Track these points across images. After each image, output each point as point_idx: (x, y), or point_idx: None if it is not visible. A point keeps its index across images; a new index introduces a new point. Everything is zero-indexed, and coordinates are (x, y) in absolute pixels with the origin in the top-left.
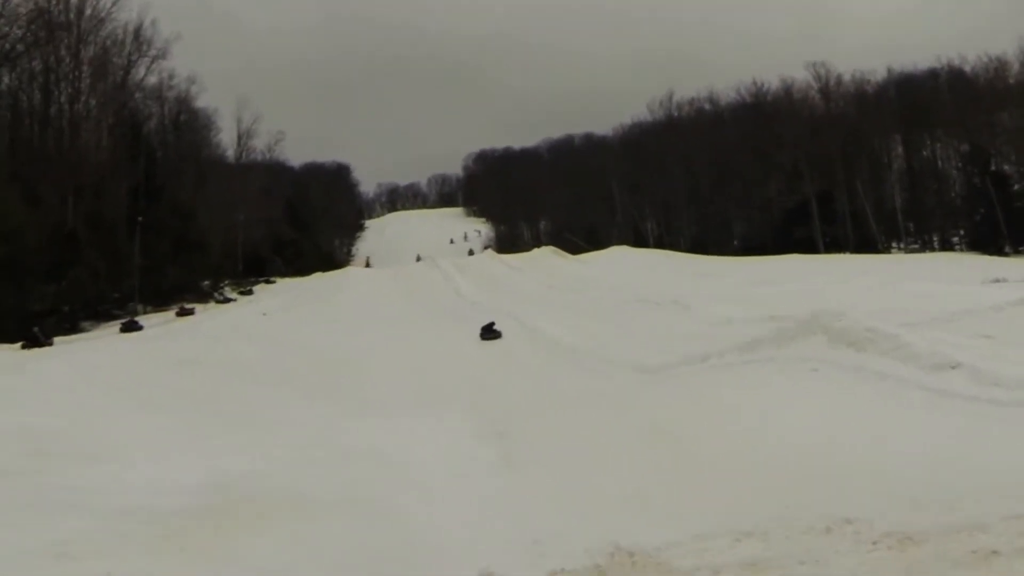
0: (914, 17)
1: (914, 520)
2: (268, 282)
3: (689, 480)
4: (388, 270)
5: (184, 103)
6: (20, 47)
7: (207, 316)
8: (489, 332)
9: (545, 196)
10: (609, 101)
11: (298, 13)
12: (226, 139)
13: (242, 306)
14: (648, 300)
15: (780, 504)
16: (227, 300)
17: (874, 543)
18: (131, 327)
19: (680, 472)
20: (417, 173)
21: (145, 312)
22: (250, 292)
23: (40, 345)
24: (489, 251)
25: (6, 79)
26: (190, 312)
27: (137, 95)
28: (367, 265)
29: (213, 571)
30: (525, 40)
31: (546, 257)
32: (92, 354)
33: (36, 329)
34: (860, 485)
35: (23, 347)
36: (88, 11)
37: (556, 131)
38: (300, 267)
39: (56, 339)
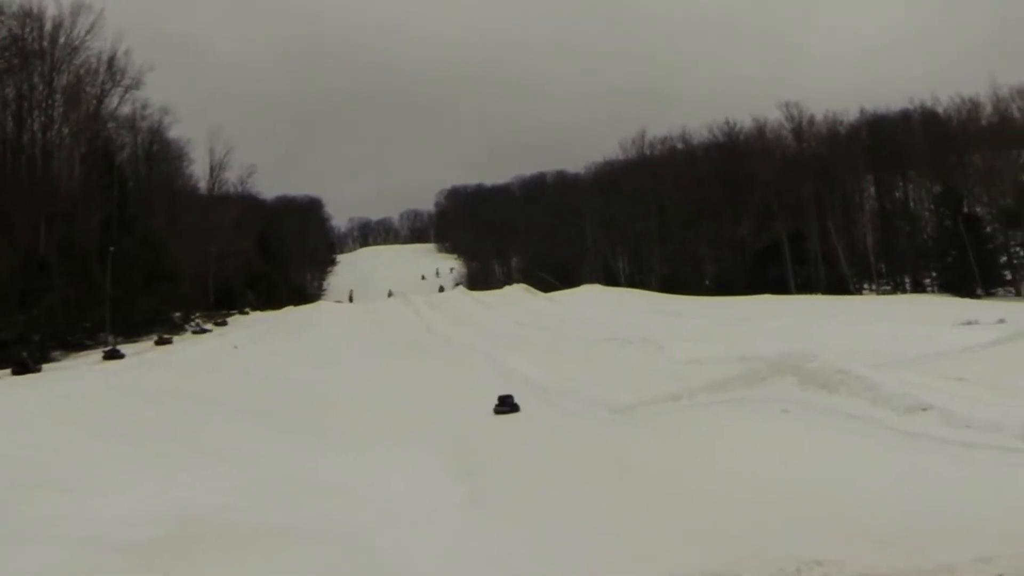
0: (885, 57)
1: (883, 562)
2: (243, 313)
3: (660, 520)
4: (360, 305)
5: (157, 133)
6: None
7: (183, 346)
8: (505, 406)
9: (517, 233)
10: (581, 139)
11: (270, 46)
12: (198, 170)
13: (216, 337)
14: (619, 339)
15: (750, 544)
16: (203, 331)
17: None
18: (113, 355)
19: (651, 511)
20: (389, 208)
21: (116, 343)
22: (224, 323)
23: (29, 371)
24: (460, 288)
25: None
26: (168, 341)
27: (110, 124)
28: (350, 299)
29: None
30: (497, 76)
31: (518, 294)
32: (68, 383)
33: (25, 355)
34: (830, 526)
35: (13, 373)
36: (62, 39)
37: (528, 168)
38: (272, 300)
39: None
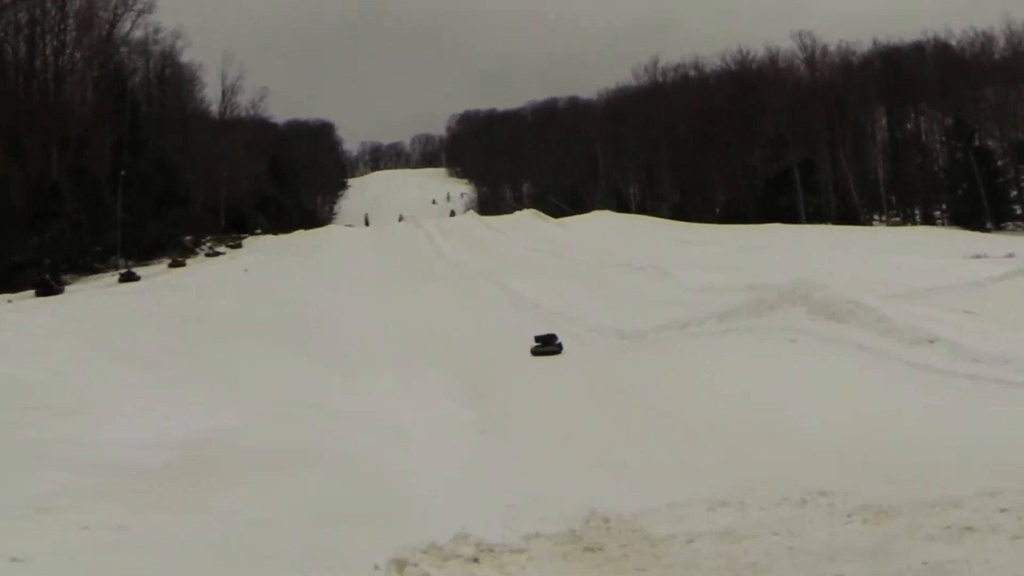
0: None
1: (889, 494)
2: (254, 235)
3: (666, 447)
4: (371, 229)
5: (169, 58)
6: None
7: (196, 269)
8: (547, 346)
9: (529, 159)
10: (594, 66)
11: None
12: (210, 94)
13: (229, 260)
14: (629, 266)
15: (756, 474)
16: (216, 254)
17: (848, 516)
18: (129, 277)
19: (657, 438)
20: (401, 133)
21: (127, 266)
22: (239, 246)
23: (53, 292)
24: (471, 213)
25: None
26: (182, 264)
27: (122, 49)
28: (367, 223)
29: (191, 523)
30: (511, 1)
31: (528, 220)
32: (80, 306)
33: (47, 276)
34: (836, 457)
35: (36, 295)
36: None
37: (541, 94)
38: (282, 224)
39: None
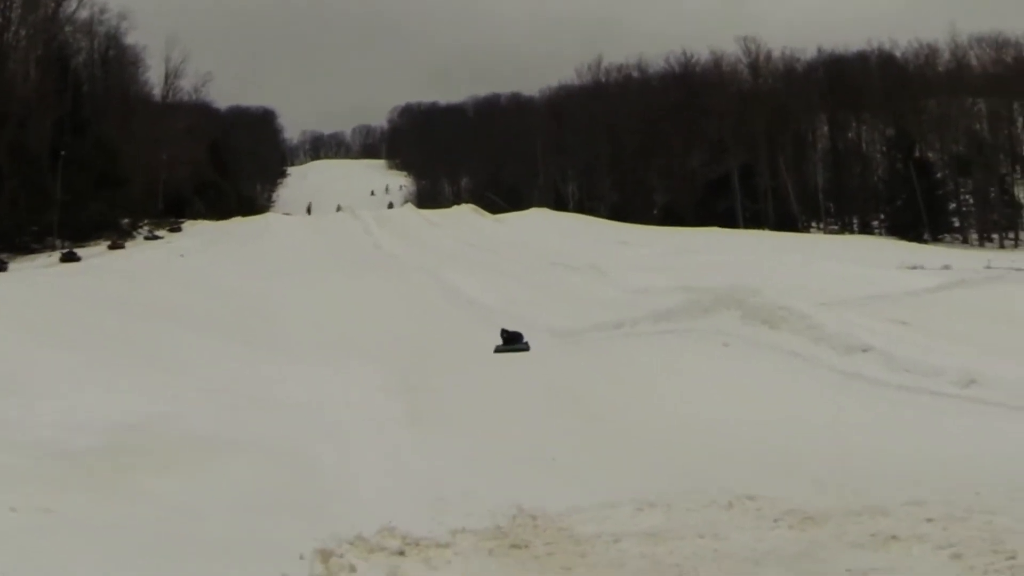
0: None
1: (817, 501)
2: (194, 220)
3: (597, 447)
4: (308, 218)
5: (114, 39)
6: None
7: (134, 251)
8: (511, 343)
9: (469, 153)
10: (538, 62)
11: None
12: (153, 77)
13: (167, 244)
14: (566, 264)
15: (685, 476)
16: (155, 237)
17: (775, 521)
18: (70, 257)
19: (589, 438)
20: (342, 123)
21: (65, 247)
22: (179, 229)
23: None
24: (409, 205)
25: None
26: (121, 246)
27: (67, 28)
28: (308, 212)
29: (120, 508)
30: None
31: (466, 215)
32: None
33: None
34: (765, 463)
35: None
36: None
37: (483, 89)
38: (221, 210)
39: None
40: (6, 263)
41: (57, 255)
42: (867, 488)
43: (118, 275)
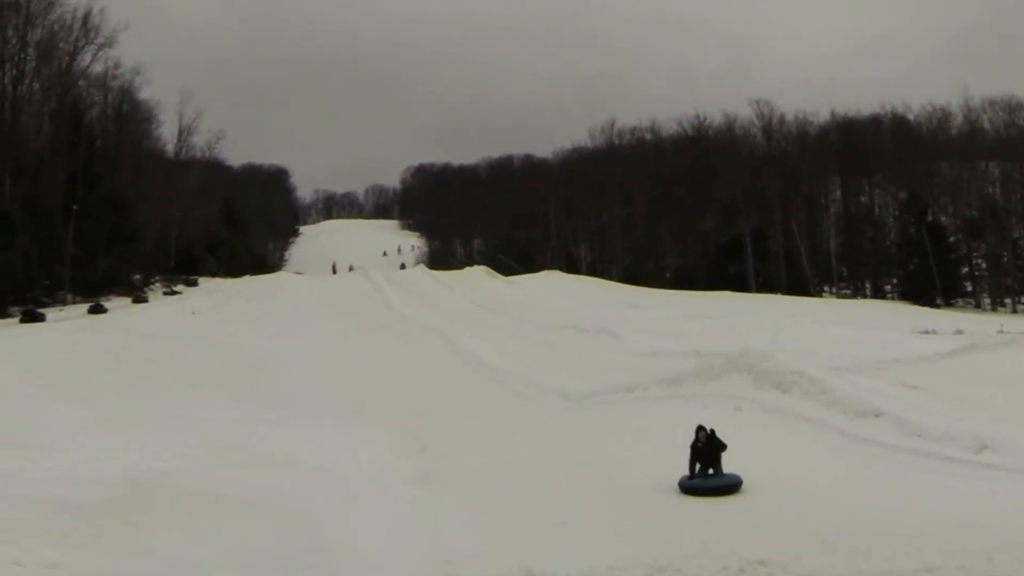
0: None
1: (827, 565)
2: (210, 276)
3: (607, 510)
4: (321, 278)
5: (128, 94)
6: None
7: (155, 305)
8: (711, 478)
9: (481, 214)
10: (551, 124)
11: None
12: (167, 133)
13: (185, 299)
14: (577, 327)
15: (696, 541)
16: (173, 292)
17: None
18: (98, 309)
19: (599, 501)
20: (355, 182)
21: (74, 301)
22: (195, 284)
23: (36, 320)
24: (421, 266)
25: None
26: (144, 299)
27: (81, 82)
28: (334, 271)
29: (125, 563)
30: (468, 55)
31: (478, 276)
32: (30, 341)
33: (31, 307)
34: (776, 527)
35: (21, 321)
36: None
37: (496, 150)
38: (232, 268)
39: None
40: (44, 315)
41: (85, 307)
42: (877, 553)
43: (134, 331)
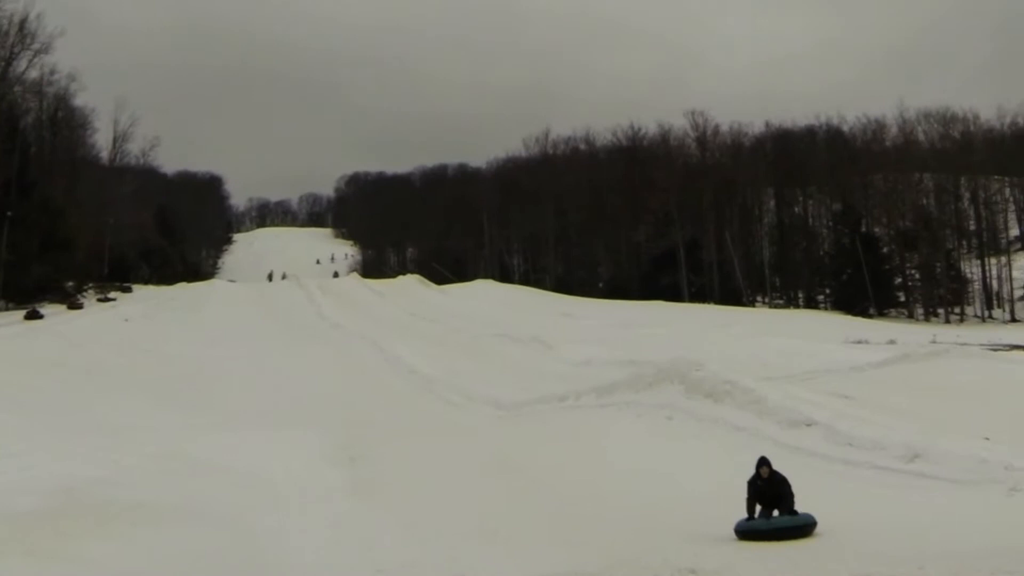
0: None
1: (756, 573)
2: (145, 283)
3: (539, 519)
4: (253, 286)
5: (63, 100)
6: None
7: (89, 312)
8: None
9: (415, 223)
10: (485, 134)
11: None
12: (102, 140)
13: (119, 306)
14: (510, 336)
15: (627, 549)
16: (108, 299)
17: None
18: (34, 315)
19: (530, 510)
20: (289, 190)
21: (7, 308)
22: (129, 290)
23: None
24: (354, 275)
25: None
26: (79, 306)
27: (16, 88)
28: (269, 279)
29: (59, 573)
30: (403, 64)
31: (411, 285)
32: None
33: None
34: (708, 536)
35: None
36: None
37: (430, 159)
38: (166, 275)
39: None
40: None
41: (20, 313)
42: (809, 561)
43: (69, 338)
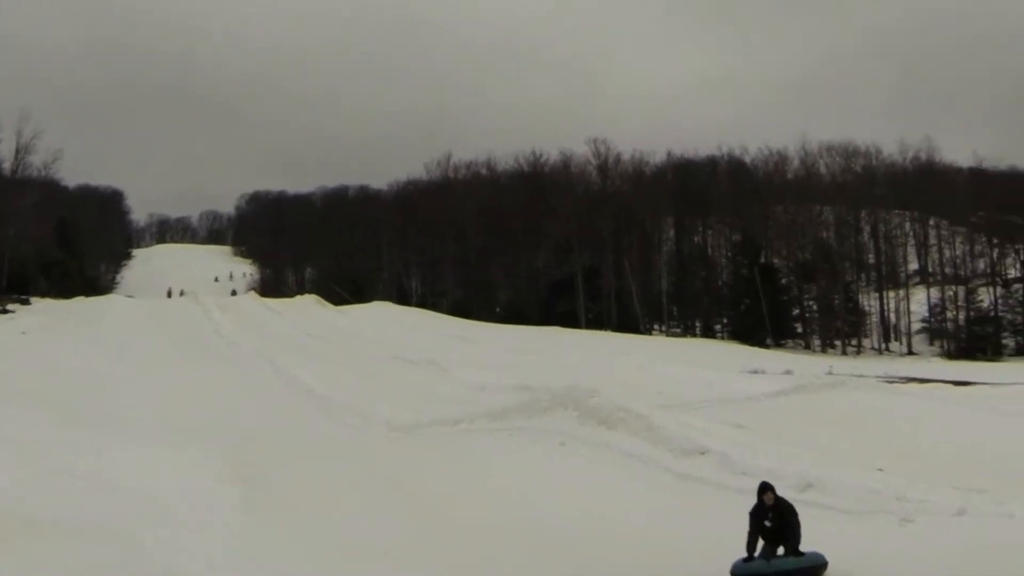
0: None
1: None
2: (43, 296)
3: (429, 542)
4: (151, 302)
5: None
6: None
7: None
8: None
9: (314, 244)
10: (387, 157)
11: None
12: (3, 151)
13: (14, 318)
14: (406, 358)
15: (514, 572)
16: (6, 311)
17: None
18: None
19: (421, 533)
20: (189, 207)
21: None
22: (28, 302)
23: None
24: (252, 293)
25: None
26: None
27: None
28: (168, 295)
29: None
30: (305, 86)
31: (309, 305)
32: None
33: None
34: (596, 563)
35: None
36: None
37: (332, 180)
38: (64, 289)
39: None
40: None
41: None
42: None
43: None
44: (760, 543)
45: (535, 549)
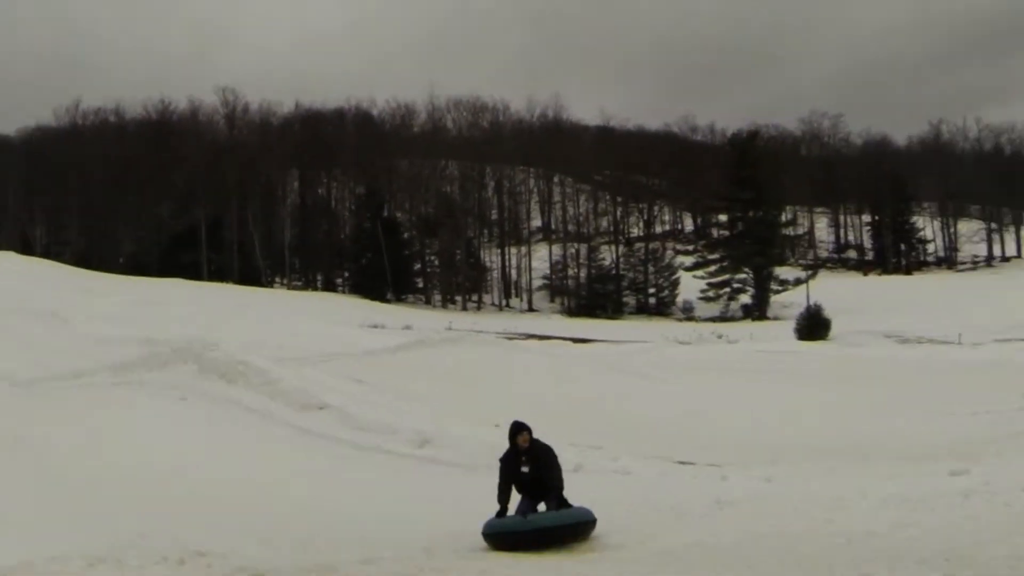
0: (318, 50)
1: (266, 557)
2: None
3: (48, 500)
4: None
5: None
6: None
7: None
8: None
9: None
10: (17, 101)
11: None
12: None
13: None
14: (27, 310)
15: (136, 530)
16: None
17: None
18: None
19: (40, 491)
20: None
21: None
22: None
23: None
24: None
25: None
26: None
27: None
28: None
29: None
30: None
31: None
32: None
33: None
34: (217, 519)
35: None
36: None
37: None
38: None
39: None
40: None
41: None
42: (316, 545)
43: None
44: (516, 497)
45: (156, 505)
